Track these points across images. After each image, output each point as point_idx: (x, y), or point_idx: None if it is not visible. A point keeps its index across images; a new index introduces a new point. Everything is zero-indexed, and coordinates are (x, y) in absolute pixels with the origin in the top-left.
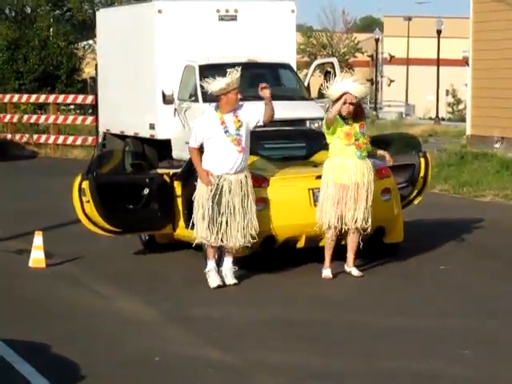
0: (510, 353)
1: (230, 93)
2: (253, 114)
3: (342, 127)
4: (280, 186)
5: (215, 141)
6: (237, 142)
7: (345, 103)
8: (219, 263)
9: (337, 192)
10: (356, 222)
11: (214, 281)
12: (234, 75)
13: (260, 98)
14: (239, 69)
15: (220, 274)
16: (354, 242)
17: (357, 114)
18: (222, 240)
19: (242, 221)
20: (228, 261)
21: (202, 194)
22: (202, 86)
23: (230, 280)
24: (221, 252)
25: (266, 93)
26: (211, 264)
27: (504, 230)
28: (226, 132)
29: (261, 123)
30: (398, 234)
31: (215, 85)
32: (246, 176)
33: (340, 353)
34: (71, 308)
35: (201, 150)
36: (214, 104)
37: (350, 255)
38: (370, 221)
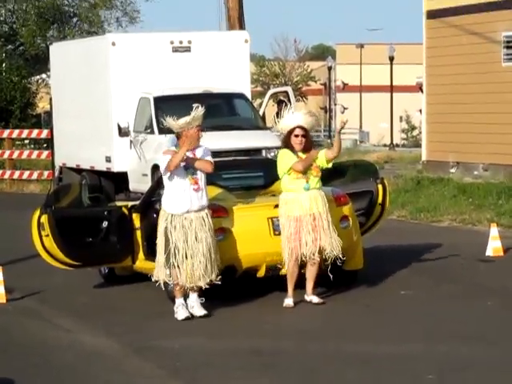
0: (473, 376)
1: (192, 129)
2: (206, 159)
3: (293, 161)
4: (239, 215)
5: (175, 178)
6: (194, 180)
7: (297, 136)
8: (185, 297)
9: (291, 225)
10: (314, 254)
11: (181, 314)
12: (199, 112)
13: (215, 129)
14: (202, 107)
15: (187, 307)
16: (313, 271)
17: (306, 145)
18: (187, 281)
19: (207, 260)
20: (193, 294)
21: (159, 233)
22: (157, 118)
23: (199, 311)
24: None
25: None
26: (179, 301)
27: (462, 254)
28: (188, 169)
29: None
30: (358, 261)
31: (179, 120)
32: (206, 214)
33: (307, 381)
34: (33, 342)
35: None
36: (170, 136)
37: (310, 284)
38: (336, 248)
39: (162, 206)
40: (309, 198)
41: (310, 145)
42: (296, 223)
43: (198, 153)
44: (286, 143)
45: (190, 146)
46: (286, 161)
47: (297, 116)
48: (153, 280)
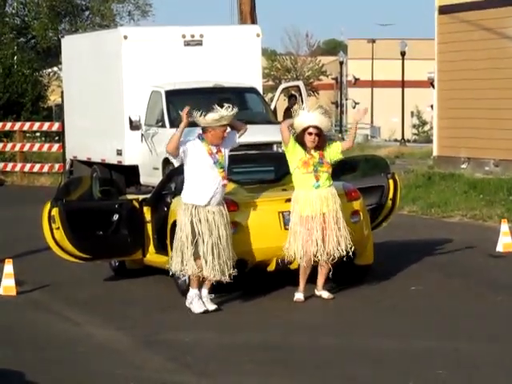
0: (484, 372)
1: (218, 128)
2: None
3: (301, 156)
4: (250, 209)
5: (202, 171)
6: (223, 174)
7: (310, 134)
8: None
9: (302, 224)
10: (327, 253)
11: (197, 307)
12: (229, 112)
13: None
14: (234, 108)
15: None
16: (326, 268)
17: (319, 143)
18: (211, 274)
19: (226, 252)
20: (204, 290)
21: (184, 226)
22: (168, 112)
23: (209, 306)
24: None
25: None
26: (194, 291)
27: (473, 250)
28: (216, 163)
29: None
30: (369, 256)
31: (208, 116)
32: (224, 207)
33: (316, 377)
34: (44, 335)
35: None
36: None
37: (321, 279)
38: (344, 247)
39: (182, 198)
40: (319, 197)
41: (323, 143)
42: (307, 223)
43: (223, 147)
44: (299, 140)
45: (214, 141)
46: (294, 145)
47: (312, 115)
48: (170, 273)
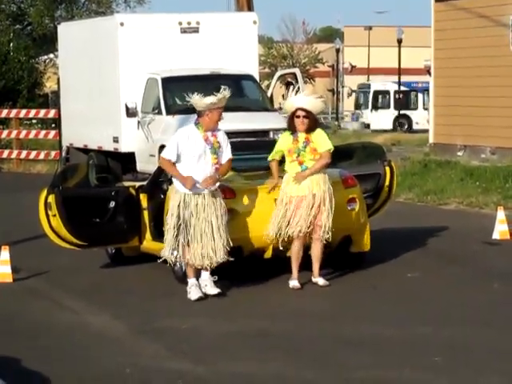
0: (480, 359)
1: (215, 110)
2: (226, 148)
3: (288, 145)
4: (247, 197)
5: (197, 157)
6: (216, 160)
7: (298, 117)
8: (197, 276)
9: (291, 203)
10: (315, 231)
11: (194, 294)
12: (225, 93)
13: (223, 110)
14: (229, 90)
15: (199, 287)
16: (318, 251)
17: (310, 126)
18: (196, 260)
19: (217, 239)
20: (205, 273)
21: (175, 213)
22: (165, 99)
23: (212, 290)
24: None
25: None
26: (192, 281)
27: (469, 237)
28: (210, 149)
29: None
30: (365, 243)
31: (205, 98)
32: (218, 192)
33: (313, 363)
34: (40, 323)
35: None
36: (179, 117)
37: (315, 265)
38: (329, 229)
39: (174, 185)
40: (308, 178)
41: (314, 125)
42: (295, 203)
43: (220, 136)
44: (290, 125)
45: (210, 125)
46: (278, 144)
47: (298, 98)
48: (160, 259)
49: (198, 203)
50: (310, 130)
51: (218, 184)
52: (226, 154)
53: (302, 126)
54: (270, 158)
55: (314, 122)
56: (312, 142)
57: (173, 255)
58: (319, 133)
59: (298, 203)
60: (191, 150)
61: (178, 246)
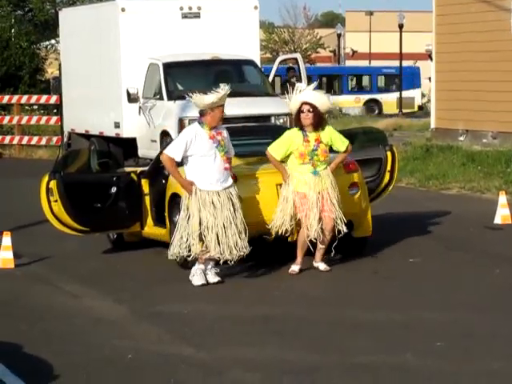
0: (483, 344)
1: (216, 108)
2: (229, 145)
3: (298, 147)
4: (248, 182)
5: (206, 156)
6: (225, 158)
7: (302, 112)
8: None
9: (297, 200)
10: (327, 223)
11: (198, 280)
12: (225, 91)
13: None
14: (228, 86)
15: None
16: (327, 241)
17: (316, 121)
18: (215, 252)
19: (235, 233)
20: (210, 263)
21: (189, 210)
22: (166, 84)
23: (213, 278)
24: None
25: None
26: (199, 266)
27: (471, 222)
28: (218, 147)
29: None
30: (367, 228)
31: (206, 98)
32: (234, 188)
33: (315, 348)
34: (42, 308)
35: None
36: (179, 102)
37: (320, 252)
38: (341, 222)
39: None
40: (315, 177)
41: (320, 121)
42: (302, 199)
43: (224, 134)
44: (297, 122)
45: (213, 123)
46: (285, 142)
47: (304, 93)
48: (169, 257)
49: (213, 201)
50: (317, 126)
51: (231, 181)
52: (230, 151)
53: (307, 120)
54: (276, 156)
55: (319, 118)
56: (322, 142)
57: (183, 252)
58: (331, 132)
59: (304, 200)
60: (200, 149)
61: (195, 241)
